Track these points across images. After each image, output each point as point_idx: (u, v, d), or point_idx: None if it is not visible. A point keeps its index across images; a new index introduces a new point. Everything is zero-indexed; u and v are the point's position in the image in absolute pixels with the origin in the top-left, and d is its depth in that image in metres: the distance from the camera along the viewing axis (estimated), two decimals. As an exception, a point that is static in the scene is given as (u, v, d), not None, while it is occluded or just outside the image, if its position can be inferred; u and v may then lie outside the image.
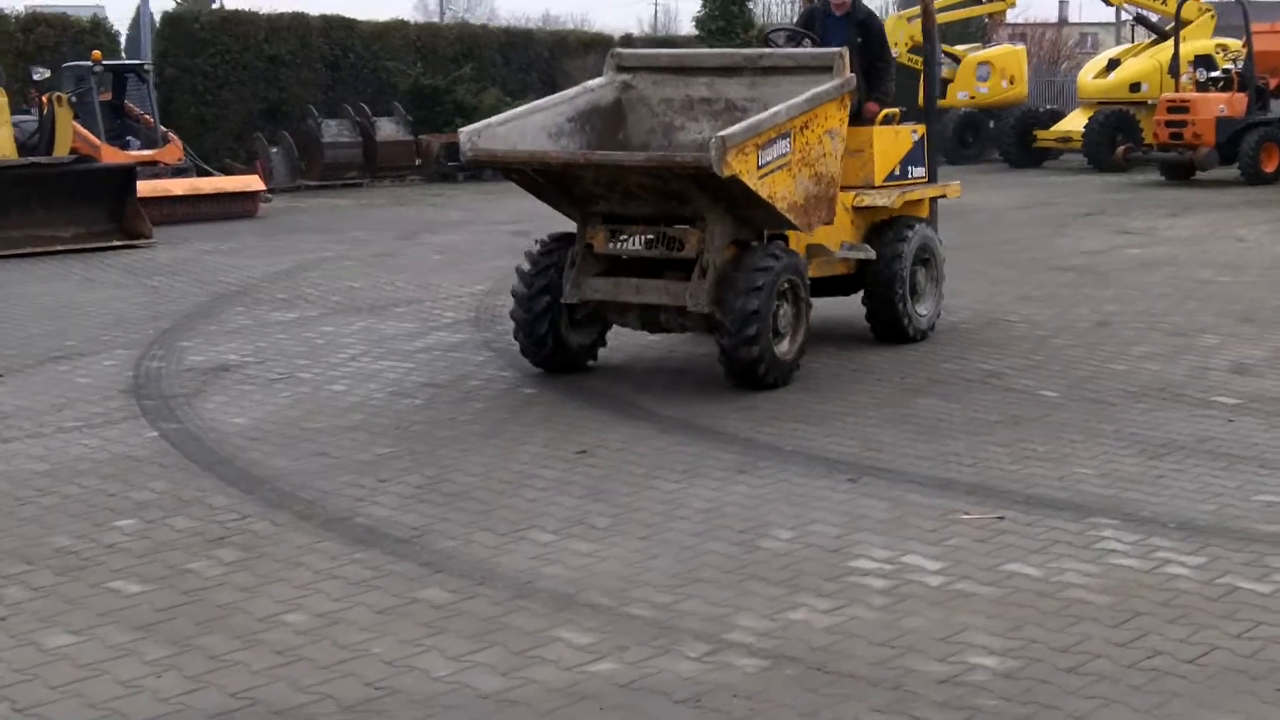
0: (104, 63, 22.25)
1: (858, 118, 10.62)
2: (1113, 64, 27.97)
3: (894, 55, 11.08)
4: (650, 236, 8.96)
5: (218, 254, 16.76)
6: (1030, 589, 5.52)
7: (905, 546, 6.02)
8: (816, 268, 10.02)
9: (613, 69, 9.97)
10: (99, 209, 17.95)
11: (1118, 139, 26.12)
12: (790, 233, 9.77)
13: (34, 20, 26.29)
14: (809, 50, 9.88)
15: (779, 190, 8.64)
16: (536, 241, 9.48)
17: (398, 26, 30.23)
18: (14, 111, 20.12)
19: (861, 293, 10.48)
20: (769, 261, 8.72)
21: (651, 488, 6.94)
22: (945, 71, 29.81)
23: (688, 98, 9.74)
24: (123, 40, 30.11)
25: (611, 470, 7.24)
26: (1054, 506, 6.54)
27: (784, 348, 9.04)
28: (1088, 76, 27.93)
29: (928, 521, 6.35)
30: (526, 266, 9.32)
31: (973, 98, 29.66)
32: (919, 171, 10.94)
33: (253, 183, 21.89)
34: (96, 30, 26.86)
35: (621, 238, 9.05)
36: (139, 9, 27.82)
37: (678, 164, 8.45)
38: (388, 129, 26.83)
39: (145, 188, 20.00)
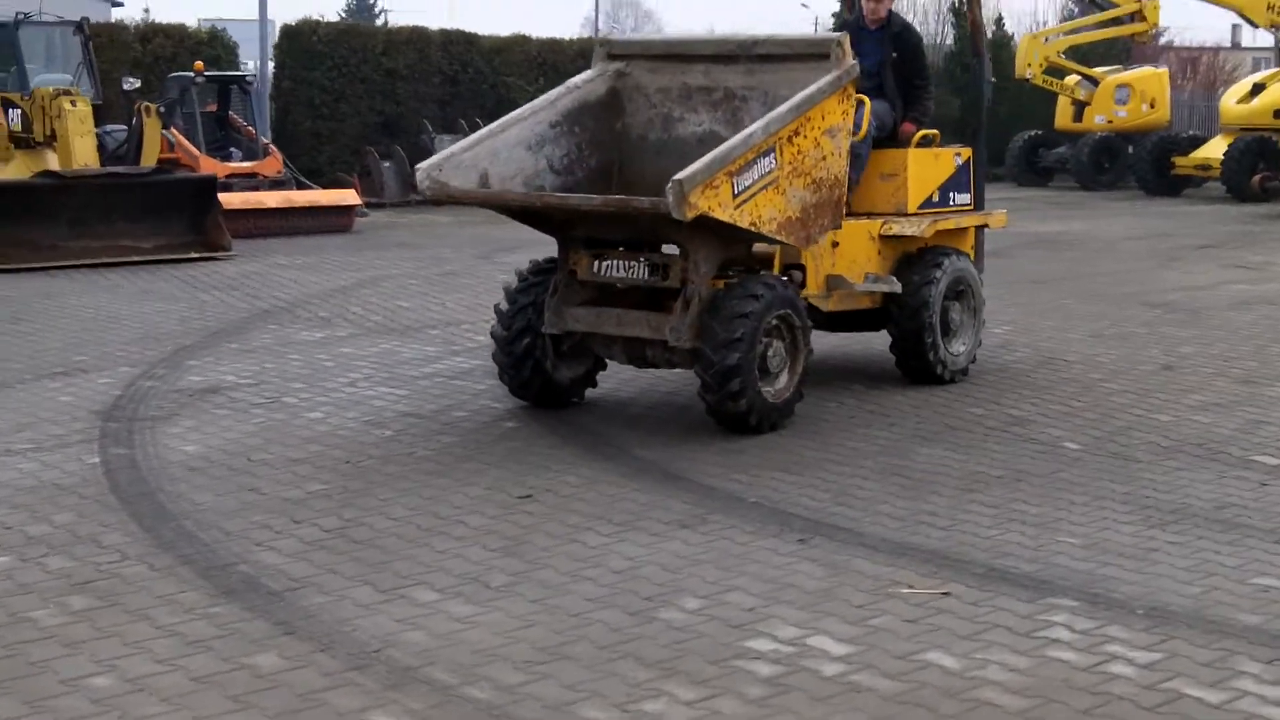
0: (207, 73, 22.09)
1: (892, 139, 9.87)
2: (1257, 89, 26.60)
3: (931, 72, 10.23)
4: (633, 263, 8.29)
5: (288, 268, 16.41)
6: (937, 685, 4.75)
7: (819, 625, 5.28)
8: (837, 300, 9.28)
9: (603, 58, 9.28)
10: (180, 220, 17.74)
11: (1259, 166, 24.78)
12: (807, 261, 9.07)
13: (152, 31, 26.38)
14: (805, 36, 9.04)
15: (765, 212, 7.92)
16: (517, 274, 8.84)
17: (519, 41, 29.86)
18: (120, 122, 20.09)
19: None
20: (749, 305, 7.99)
21: (576, 541, 6.27)
22: (1083, 94, 28.66)
23: (685, 86, 9.04)
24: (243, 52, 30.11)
25: (544, 519, 6.59)
26: (1014, 582, 5.75)
27: (778, 386, 8.32)
28: (1230, 101, 26.61)
29: (860, 594, 5.60)
30: (504, 305, 8.70)
31: (1110, 121, 28.44)
32: (962, 198, 10.13)
33: (348, 197, 21.59)
34: (213, 41, 26.85)
35: (604, 263, 8.39)
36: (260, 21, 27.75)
37: (634, 208, 7.77)
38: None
39: (238, 200, 19.84)
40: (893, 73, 9.99)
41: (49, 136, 17.92)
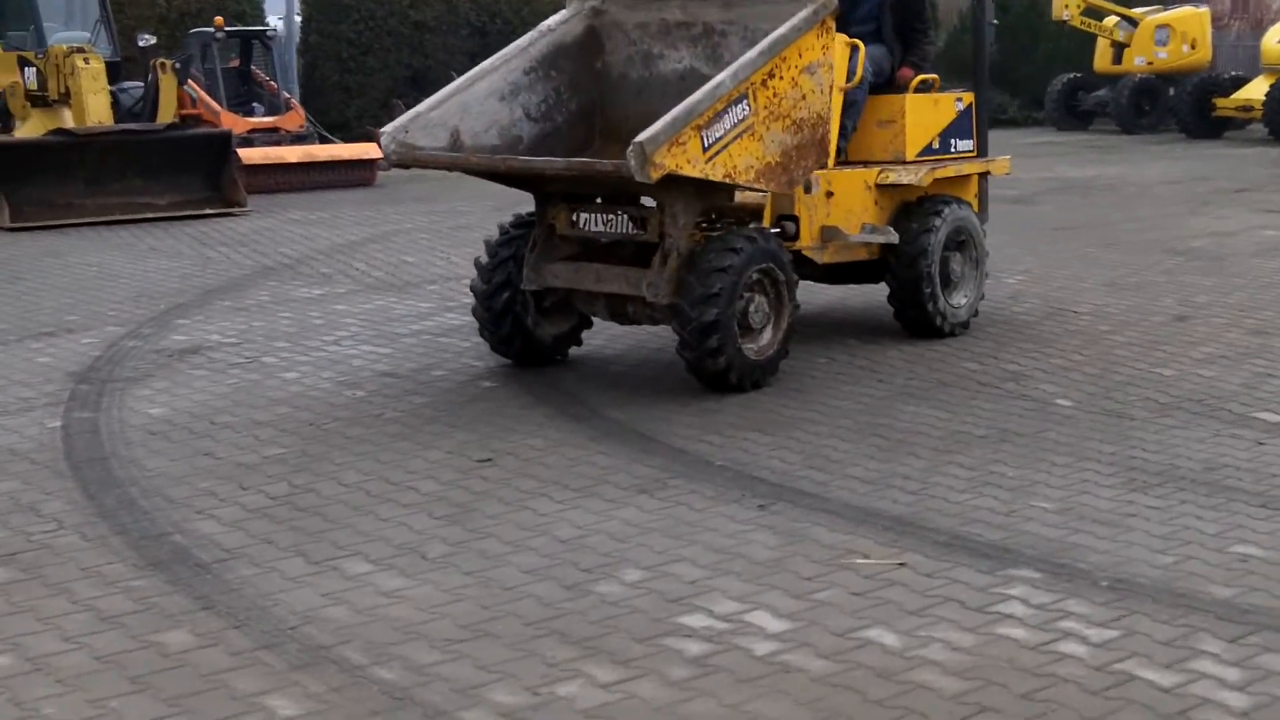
0: (227, 28, 21.86)
1: (890, 84, 9.52)
2: (1301, 28, 25.89)
3: (931, 14, 9.84)
4: (611, 216, 8.00)
5: (302, 224, 16.21)
6: (872, 666, 4.48)
7: (761, 599, 5.01)
8: (833, 252, 8.97)
9: None
10: (195, 176, 17.58)
11: (1302, 108, 24.16)
12: (800, 212, 8.76)
13: (178, -15, 26.15)
14: None
15: (740, 161, 7.59)
16: (499, 227, 8.57)
17: None
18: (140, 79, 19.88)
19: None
20: (727, 259, 7.69)
21: (527, 508, 6.02)
22: (1122, 36, 28.03)
23: (663, 22, 8.67)
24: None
25: (499, 484, 6.34)
26: (975, 551, 5.46)
27: (761, 343, 8.02)
28: (1272, 41, 25.88)
29: (811, 565, 5.32)
30: (484, 259, 8.43)
31: (1150, 63, 27.79)
32: (965, 145, 9.77)
33: (369, 151, 21.29)
34: (239, -5, 26.62)
35: (583, 216, 8.10)
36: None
37: (597, 172, 7.48)
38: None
39: (258, 155, 19.67)
40: (891, 16, 9.63)
41: (64, 95, 17.76)
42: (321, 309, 10.77)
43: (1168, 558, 5.36)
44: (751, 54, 7.50)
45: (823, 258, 8.98)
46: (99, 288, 12.00)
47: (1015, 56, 31.33)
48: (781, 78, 7.64)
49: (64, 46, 17.95)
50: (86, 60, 17.55)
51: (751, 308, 7.90)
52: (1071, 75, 29.00)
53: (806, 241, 8.83)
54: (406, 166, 7.98)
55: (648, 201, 8.07)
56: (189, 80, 20.51)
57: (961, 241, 9.43)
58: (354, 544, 5.63)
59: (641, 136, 7.07)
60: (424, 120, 8.03)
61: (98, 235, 15.75)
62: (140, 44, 19.76)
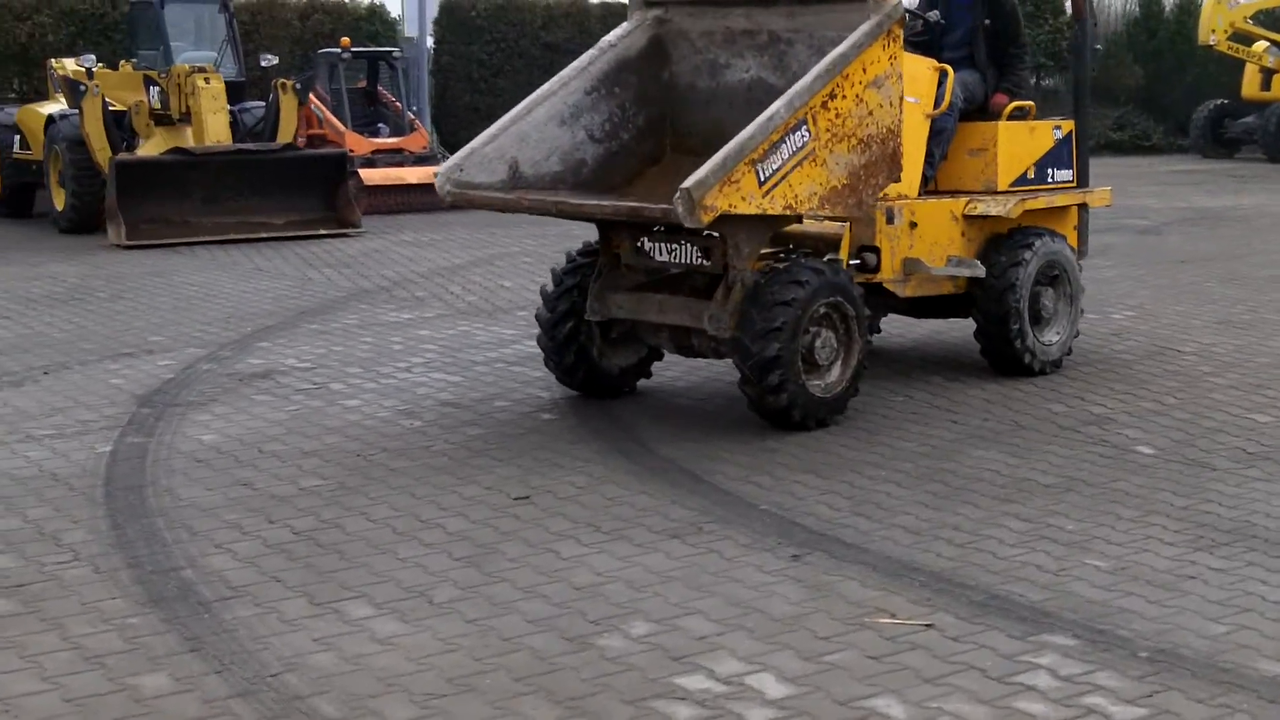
0: (354, 49, 21.99)
1: (983, 111, 9.15)
2: None
3: (1028, 38, 9.45)
4: (675, 245, 7.74)
5: (412, 245, 16.17)
6: (869, 738, 4.15)
7: (770, 659, 4.72)
8: (916, 285, 8.61)
9: (639, 7, 8.57)
10: (311, 197, 17.65)
11: None
12: (882, 243, 8.43)
13: (311, 8, 26.40)
14: None
15: (802, 190, 7.29)
16: (566, 255, 8.36)
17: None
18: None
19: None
20: (792, 292, 7.38)
21: (551, 551, 5.78)
22: (1271, 61, 27.15)
23: (728, 30, 8.31)
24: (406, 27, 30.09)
25: (529, 524, 6.11)
26: (1011, 613, 5.10)
27: (829, 380, 7.70)
28: None
29: (831, 623, 5.01)
30: (550, 287, 8.21)
31: (1301, 90, 26.85)
32: (1063, 175, 9.36)
33: (490, 172, 21.24)
34: (373, 17, 26.81)
35: (646, 246, 7.85)
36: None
37: (647, 216, 7.19)
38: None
39: (379, 175, 19.75)
40: (985, 40, 9.27)
41: (185, 114, 17.92)
42: (405, 334, 10.64)
43: (1219, 626, 4.96)
44: (808, 78, 7.19)
45: (905, 291, 8.64)
46: (193, 308, 11.99)
47: (1161, 82, 30.51)
48: (844, 96, 7.32)
49: (186, 66, 18.12)
50: (207, 80, 17.69)
51: (818, 343, 7.59)
52: (1218, 102, 28.15)
53: (888, 274, 8.50)
54: (462, 207, 7.78)
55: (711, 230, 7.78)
56: (314, 100, 20.63)
57: (1054, 276, 9.02)
58: (363, 585, 5.43)
59: (689, 181, 6.79)
60: (480, 155, 7.83)
61: (209, 254, 15.84)
62: (263, 64, 19.88)
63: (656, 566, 5.59)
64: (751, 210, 7.05)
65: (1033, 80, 28.81)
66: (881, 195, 8.52)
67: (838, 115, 7.28)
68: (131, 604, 5.29)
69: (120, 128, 18.35)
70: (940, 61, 9.21)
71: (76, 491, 6.71)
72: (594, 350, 8.28)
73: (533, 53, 27.34)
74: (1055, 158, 9.34)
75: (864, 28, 7.36)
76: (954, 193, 9.06)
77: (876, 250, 8.47)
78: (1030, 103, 9.31)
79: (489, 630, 4.99)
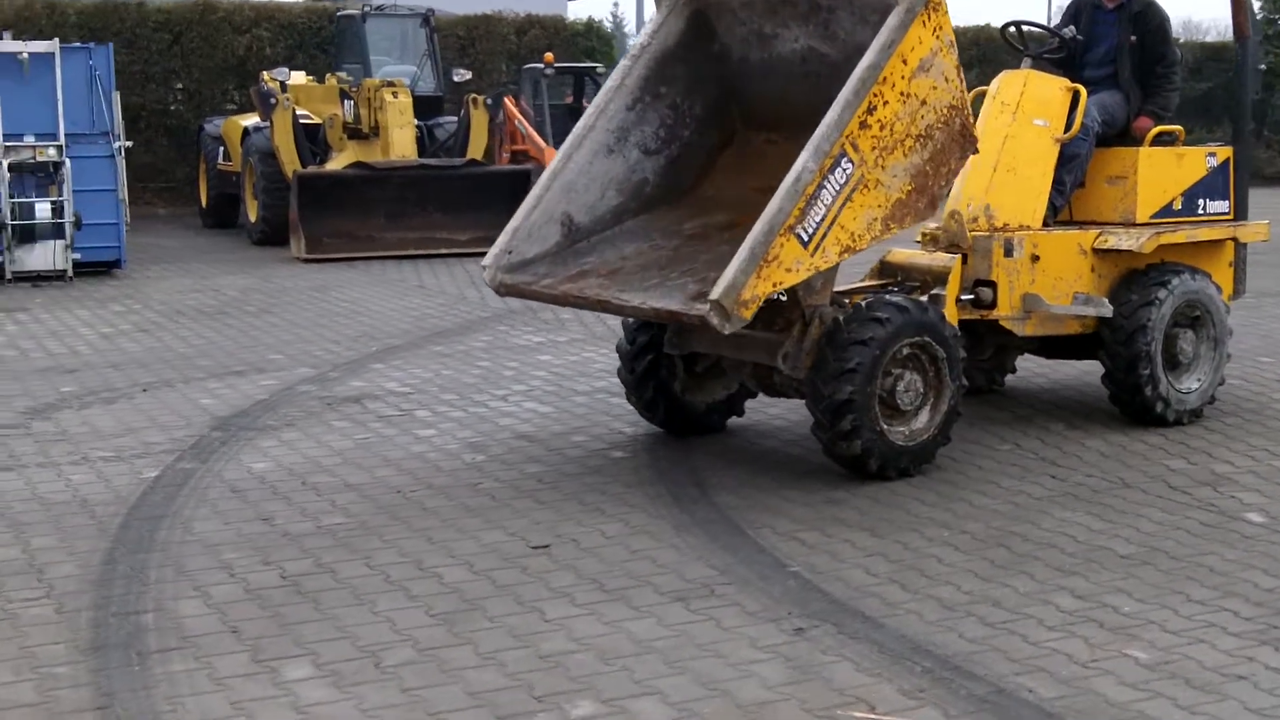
0: (558, 65, 21.84)
1: (1125, 135, 8.37)
2: None
3: (1178, 56, 8.62)
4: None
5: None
6: None
7: (705, 755, 4.15)
8: (1037, 323, 7.90)
9: None
10: (495, 213, 17.39)
11: None
12: (999, 278, 7.75)
13: (528, 23, 26.39)
14: None
15: (859, 223, 6.66)
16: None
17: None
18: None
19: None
20: (869, 331, 6.77)
21: (536, 611, 5.31)
22: None
23: (768, 1, 7.52)
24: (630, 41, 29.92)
25: (532, 578, 5.66)
26: (1009, 715, 4.44)
27: (915, 427, 7.07)
28: None
29: (800, 715, 4.43)
30: (630, 319, 7.73)
31: None
32: (1217, 206, 8.51)
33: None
34: (590, 33, 26.68)
35: (726, 277, 7.30)
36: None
37: (685, 318, 6.58)
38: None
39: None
40: (1130, 59, 8.49)
41: (374, 127, 17.95)
42: (524, 359, 10.29)
43: (1253, 741, 4.23)
44: (835, 110, 6.47)
45: (1025, 330, 7.94)
46: (332, 325, 11.85)
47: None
48: (887, 102, 6.60)
49: (377, 80, 18.15)
50: (395, 94, 17.68)
51: (900, 386, 6.96)
52: (1180, 127, 26.02)
53: (1005, 310, 7.82)
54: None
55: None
56: (517, 115, 20.51)
57: (1196, 317, 8.20)
58: (319, 641, 5.04)
59: (716, 290, 6.22)
60: (526, 227, 7.34)
61: (383, 270, 15.80)
62: (455, 79, 19.84)
63: (642, 634, 5.07)
64: (803, 277, 6.46)
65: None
66: (1002, 226, 7.86)
67: (882, 126, 6.59)
68: (70, 651, 4.99)
69: (315, 141, 18.47)
70: (1082, 80, 8.50)
71: (95, 520, 6.49)
72: (676, 385, 7.79)
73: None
74: (1208, 188, 8.50)
75: (891, 22, 6.59)
76: (1084, 223, 8.30)
77: (993, 285, 7.79)
78: (1178, 127, 8.47)
79: (418, 703, 4.54)
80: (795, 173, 6.32)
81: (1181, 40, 32.29)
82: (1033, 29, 8.69)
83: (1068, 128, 8.13)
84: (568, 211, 7.37)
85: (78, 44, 16.10)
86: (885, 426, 6.93)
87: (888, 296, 7.11)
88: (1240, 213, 8.64)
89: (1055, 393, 9.01)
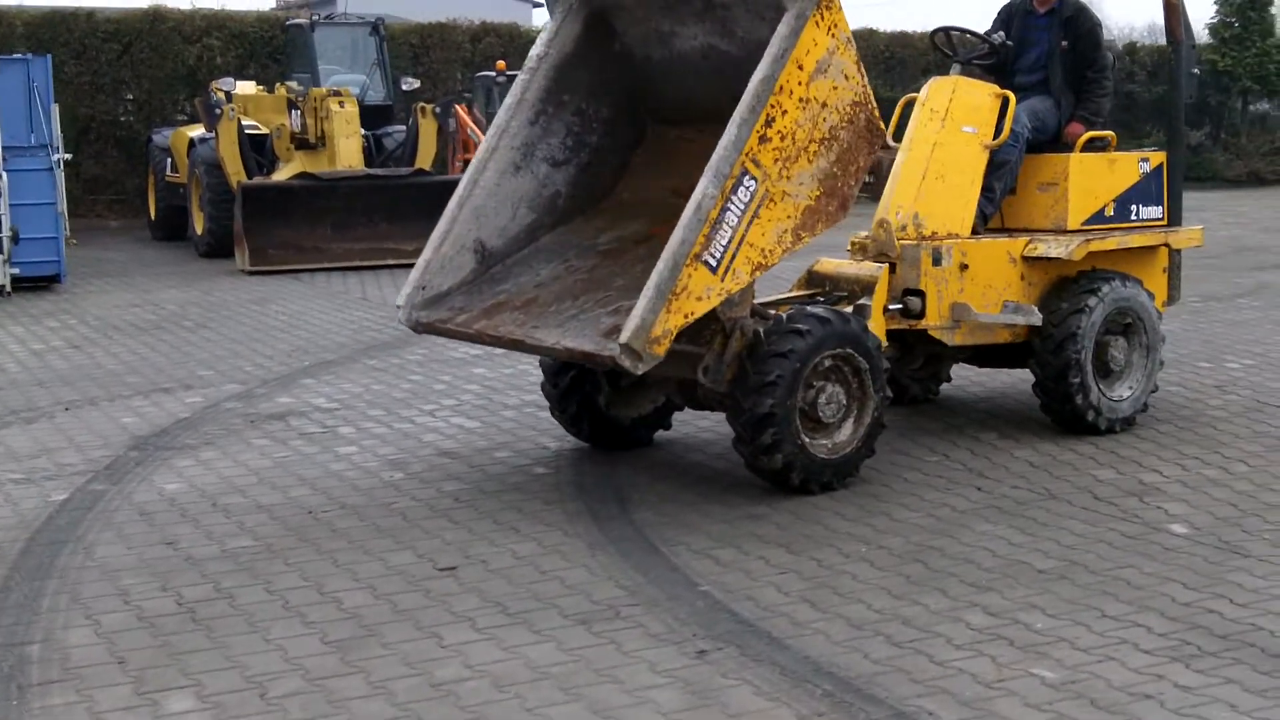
0: (508, 73, 21.70)
1: (1056, 141, 8.27)
2: None
3: (1110, 61, 8.52)
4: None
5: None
6: None
7: (588, 788, 4.01)
8: (967, 333, 7.79)
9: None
10: (443, 222, 17.26)
11: None
12: (928, 287, 7.64)
13: (483, 30, 26.25)
14: None
15: (769, 238, 6.51)
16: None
17: (864, 35, 28.45)
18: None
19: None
20: (790, 343, 6.65)
21: (435, 637, 5.17)
22: None
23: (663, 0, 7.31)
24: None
25: (434, 602, 5.52)
26: (907, 738, 4.31)
27: (838, 439, 6.94)
28: None
29: (689, 743, 4.29)
30: None
31: None
32: (1151, 212, 8.41)
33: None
34: (544, 39, 26.47)
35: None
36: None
37: (598, 360, 6.44)
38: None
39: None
40: (1061, 64, 8.39)
41: (321, 137, 17.78)
42: (457, 372, 10.14)
43: (1154, 767, 4.11)
44: (730, 133, 6.25)
45: (954, 339, 7.83)
46: (267, 339, 11.68)
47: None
48: (786, 111, 6.42)
49: (323, 90, 17.99)
50: (341, 104, 17.53)
51: (822, 399, 6.83)
52: (1112, 133, 26.10)
53: (934, 320, 7.72)
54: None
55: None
56: (470, 124, 20.36)
57: (1128, 325, 8.11)
58: (206, 671, 4.88)
59: (624, 334, 6.08)
60: (439, 260, 7.19)
61: (328, 281, 15.64)
62: (404, 88, 19.68)
63: (540, 660, 4.93)
64: (715, 303, 6.33)
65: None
66: (931, 234, 7.76)
67: (783, 137, 6.43)
68: (-55, 685, 4.81)
69: (262, 152, 18.30)
70: (1014, 86, 8.41)
71: (-6, 547, 6.31)
72: (600, 400, 7.67)
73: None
74: (1142, 193, 8.42)
75: (782, 31, 6.39)
76: (1015, 231, 8.20)
77: (922, 294, 7.68)
78: (1110, 133, 8.37)
79: (296, 736, 4.38)
80: (696, 200, 6.17)
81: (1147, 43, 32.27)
82: (962, 35, 8.58)
83: (997, 134, 8.02)
84: (479, 238, 7.23)
85: (15, 55, 15.86)
86: (807, 439, 6.80)
87: (809, 308, 6.98)
88: (1174, 218, 8.55)
89: (991, 402, 8.91)
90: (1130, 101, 28.88)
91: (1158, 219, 8.46)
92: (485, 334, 6.88)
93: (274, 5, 42.08)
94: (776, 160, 6.37)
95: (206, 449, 7.99)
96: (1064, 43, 8.35)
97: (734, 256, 6.27)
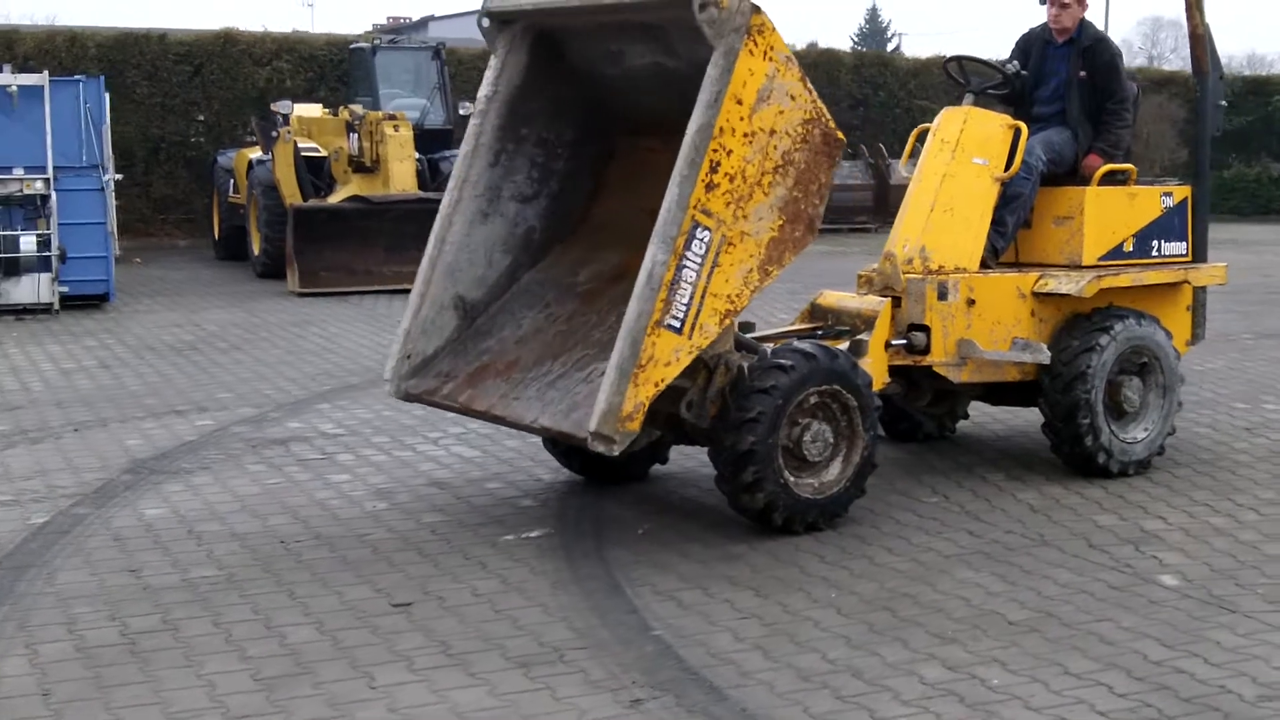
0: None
1: (1074, 174, 8.04)
2: None
3: (1130, 93, 8.25)
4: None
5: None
6: None
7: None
8: (973, 370, 7.56)
9: (498, 29, 7.16)
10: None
11: None
12: (933, 322, 7.46)
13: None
14: None
15: (733, 283, 6.30)
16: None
17: (937, 63, 28.13)
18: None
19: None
20: (772, 379, 6.46)
21: (366, 677, 5.04)
22: None
23: (598, 22, 7.01)
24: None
25: (376, 641, 5.39)
26: (825, 799, 4.11)
27: (826, 478, 6.75)
28: None
29: (595, 799, 4.11)
30: None
31: None
32: (1174, 248, 8.14)
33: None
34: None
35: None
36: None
37: (575, 440, 6.28)
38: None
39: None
40: (1079, 95, 8.14)
41: (375, 160, 17.80)
42: (474, 399, 9.99)
43: (1077, 840, 3.88)
44: (672, 192, 6.04)
45: (960, 376, 7.61)
46: (296, 362, 11.64)
47: None
48: (731, 151, 6.16)
49: (379, 114, 18.00)
50: (396, 127, 17.54)
51: (808, 437, 6.63)
52: (1131, 165, 25.32)
53: (939, 356, 7.51)
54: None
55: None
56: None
57: (1143, 364, 7.83)
58: (128, 707, 4.78)
59: (592, 421, 5.96)
60: (419, 325, 7.08)
61: (374, 304, 15.61)
62: (461, 112, 19.61)
63: (467, 706, 4.78)
64: (686, 363, 6.18)
65: None
66: (938, 268, 7.55)
67: (732, 179, 6.17)
68: None
69: (320, 175, 18.35)
70: (1032, 117, 8.20)
71: (-54, 573, 6.25)
72: (592, 433, 7.48)
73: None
74: (1164, 229, 8.15)
75: (712, 74, 6.10)
76: (1029, 265, 7.96)
77: (927, 329, 7.46)
78: (1130, 166, 8.11)
79: (198, 779, 4.25)
80: (646, 269, 5.99)
81: (1245, 73, 31.58)
82: (975, 64, 8.36)
83: (1009, 166, 7.79)
84: (458, 294, 7.13)
85: (68, 77, 16.00)
86: (792, 478, 6.61)
87: (795, 342, 6.79)
88: (1199, 254, 8.27)
89: (1009, 441, 8.66)
90: (1211, 132, 28.32)
91: (1181, 255, 8.19)
92: (470, 409, 6.81)
93: (370, 28, 42.35)
94: (729, 203, 6.16)
95: (200, 474, 7.92)
96: (1082, 73, 8.10)
97: (699, 312, 6.10)
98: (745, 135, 6.15)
